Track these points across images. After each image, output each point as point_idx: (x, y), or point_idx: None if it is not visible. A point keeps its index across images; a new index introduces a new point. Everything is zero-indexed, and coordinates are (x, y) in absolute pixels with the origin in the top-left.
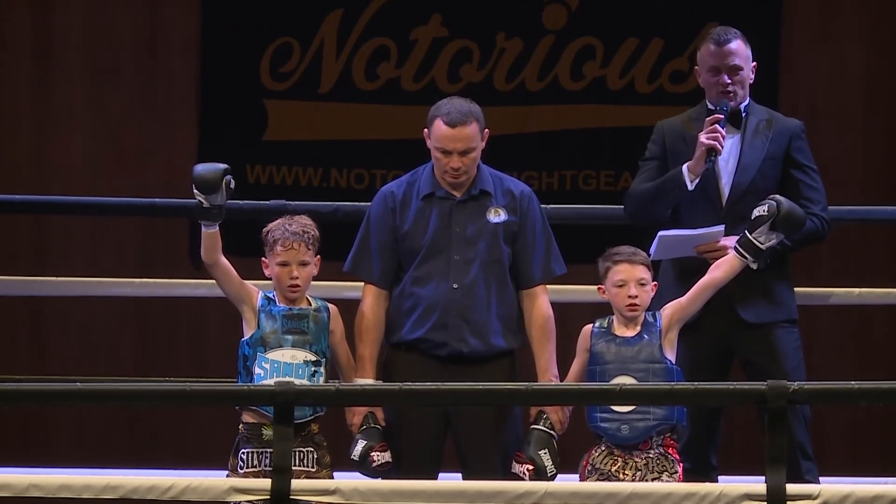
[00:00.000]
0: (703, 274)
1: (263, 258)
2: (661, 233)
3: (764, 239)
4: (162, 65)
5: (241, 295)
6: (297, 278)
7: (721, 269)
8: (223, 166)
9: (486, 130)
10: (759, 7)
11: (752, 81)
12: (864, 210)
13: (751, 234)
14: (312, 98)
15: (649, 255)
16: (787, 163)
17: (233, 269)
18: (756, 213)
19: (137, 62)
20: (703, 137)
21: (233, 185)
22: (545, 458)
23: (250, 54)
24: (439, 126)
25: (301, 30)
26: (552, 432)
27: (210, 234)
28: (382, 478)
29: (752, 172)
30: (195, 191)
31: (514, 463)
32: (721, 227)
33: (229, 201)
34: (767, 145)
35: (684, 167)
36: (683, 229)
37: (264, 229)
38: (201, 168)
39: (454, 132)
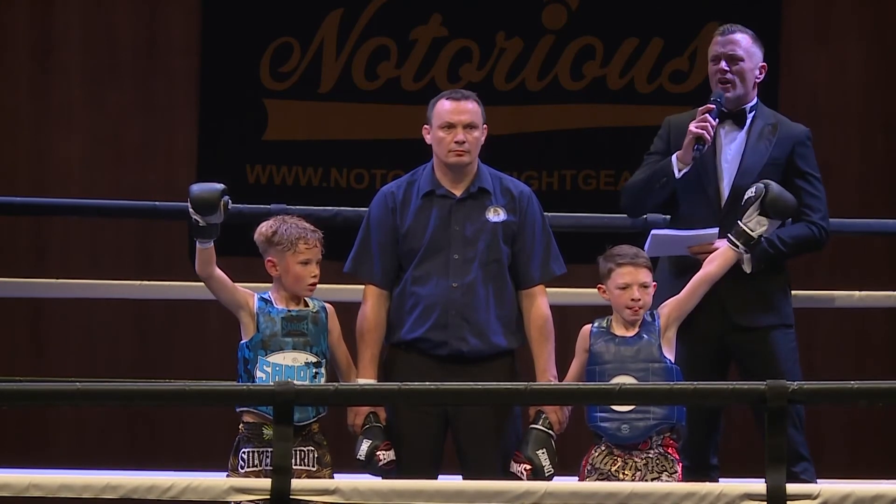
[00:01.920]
0: (699, 269)
1: (270, 258)
2: (653, 231)
3: (754, 224)
4: (162, 65)
5: (237, 301)
6: (316, 276)
7: (715, 263)
8: (220, 186)
9: (485, 126)
10: (758, 7)
11: (758, 80)
12: (864, 223)
13: (741, 220)
14: (312, 98)
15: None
16: (789, 169)
17: (227, 278)
18: (745, 196)
19: (137, 62)
20: (692, 126)
21: (230, 205)
22: (542, 457)
23: (250, 54)
24: (442, 104)
25: (301, 30)
26: (550, 432)
27: (205, 249)
28: (385, 477)
29: (753, 176)
30: (191, 210)
31: (511, 462)
32: (715, 230)
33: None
34: (770, 150)
35: (674, 156)
36: (677, 230)
37: (269, 229)
38: (198, 189)
39: (458, 104)
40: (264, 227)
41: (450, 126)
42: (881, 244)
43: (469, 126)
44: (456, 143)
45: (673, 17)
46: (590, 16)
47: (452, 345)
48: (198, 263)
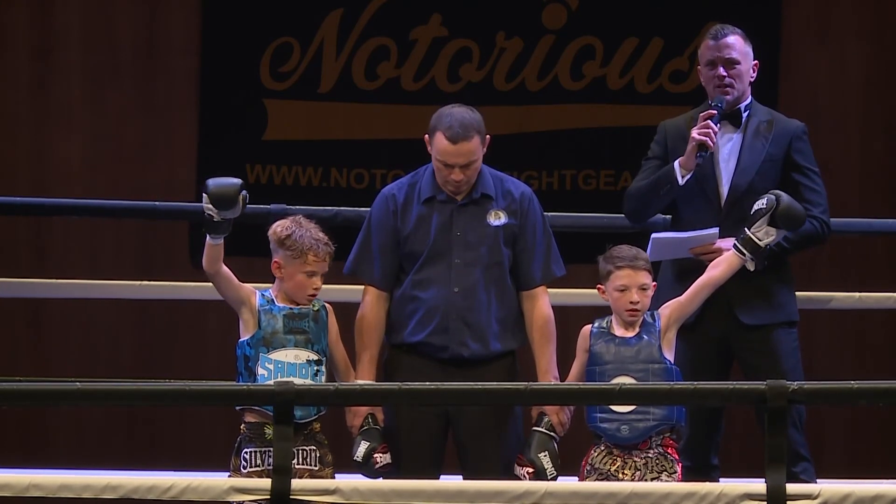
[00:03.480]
0: (702, 273)
1: (277, 260)
2: (654, 235)
3: (763, 234)
4: (162, 65)
5: (240, 298)
6: (318, 288)
7: (720, 268)
8: (238, 181)
9: (488, 137)
10: (758, 7)
11: (752, 79)
12: (864, 223)
13: (750, 229)
14: (312, 98)
15: None
16: (787, 165)
17: (232, 274)
18: (756, 206)
19: (137, 62)
20: (694, 132)
21: (248, 199)
22: (545, 460)
23: (250, 54)
24: (440, 140)
25: (301, 30)
26: (553, 434)
27: (215, 245)
28: (383, 478)
29: (751, 174)
30: (207, 205)
31: (515, 465)
32: (715, 230)
33: None
34: (767, 147)
35: (676, 163)
36: (677, 232)
37: (283, 231)
38: (215, 183)
39: (455, 148)
40: (279, 228)
41: (447, 165)
42: (881, 244)
43: (466, 165)
44: (454, 180)
45: (673, 17)
46: (590, 16)
47: (453, 349)
48: (206, 259)
